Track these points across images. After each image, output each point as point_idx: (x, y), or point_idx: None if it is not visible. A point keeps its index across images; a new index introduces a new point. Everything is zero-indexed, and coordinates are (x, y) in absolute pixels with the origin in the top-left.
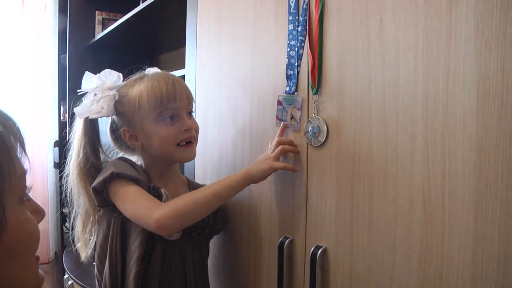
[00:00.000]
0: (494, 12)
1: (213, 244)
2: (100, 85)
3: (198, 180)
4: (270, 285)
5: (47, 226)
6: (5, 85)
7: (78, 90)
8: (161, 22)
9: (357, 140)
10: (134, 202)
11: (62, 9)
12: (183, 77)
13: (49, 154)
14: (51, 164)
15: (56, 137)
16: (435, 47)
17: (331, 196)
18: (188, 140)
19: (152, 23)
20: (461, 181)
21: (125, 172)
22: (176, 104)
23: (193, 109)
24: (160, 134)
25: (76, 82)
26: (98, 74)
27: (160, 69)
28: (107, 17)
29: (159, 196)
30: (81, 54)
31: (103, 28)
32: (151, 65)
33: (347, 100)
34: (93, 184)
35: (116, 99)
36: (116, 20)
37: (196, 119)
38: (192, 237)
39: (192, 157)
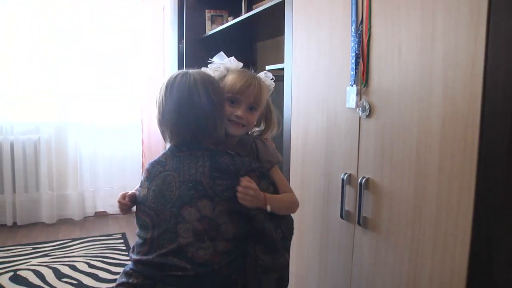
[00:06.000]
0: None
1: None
2: (224, 66)
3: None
4: (337, 202)
5: None
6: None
7: (209, 60)
8: (260, 22)
9: (387, 114)
10: None
11: (179, 8)
12: (282, 69)
13: None
14: None
15: None
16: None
17: (373, 144)
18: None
19: (253, 23)
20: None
21: None
22: (242, 97)
23: (257, 108)
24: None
25: (192, 65)
26: (228, 58)
27: (257, 56)
28: (214, 14)
29: None
30: (195, 44)
31: (212, 23)
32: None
33: (382, 91)
34: None
35: None
36: (222, 16)
37: (293, 103)
38: None
39: (233, 133)
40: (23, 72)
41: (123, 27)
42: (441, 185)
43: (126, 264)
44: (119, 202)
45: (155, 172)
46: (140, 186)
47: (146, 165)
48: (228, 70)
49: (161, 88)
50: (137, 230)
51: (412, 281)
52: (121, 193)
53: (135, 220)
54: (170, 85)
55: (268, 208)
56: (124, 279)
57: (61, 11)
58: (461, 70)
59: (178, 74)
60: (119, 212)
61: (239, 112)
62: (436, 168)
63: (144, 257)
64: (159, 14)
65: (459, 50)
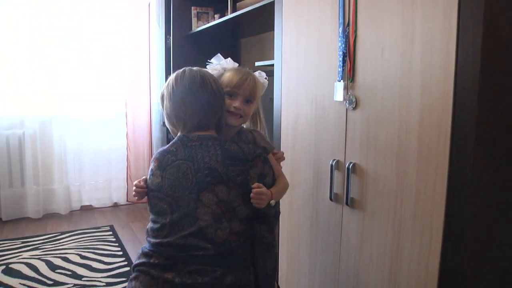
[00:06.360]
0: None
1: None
2: (221, 66)
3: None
4: (326, 186)
5: None
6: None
7: (208, 61)
8: (246, 20)
9: (372, 106)
10: None
11: (166, 5)
12: (270, 65)
13: (157, 116)
14: (159, 123)
15: None
16: None
17: (359, 132)
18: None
19: (239, 21)
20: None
21: None
22: (239, 90)
23: (253, 101)
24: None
25: (179, 60)
26: (225, 59)
27: (240, 52)
28: (200, 11)
29: None
30: (182, 40)
31: (198, 19)
32: (233, 48)
33: (367, 86)
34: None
35: None
36: (207, 13)
37: (283, 96)
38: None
39: (231, 123)
40: (16, 70)
41: (107, 21)
42: (419, 168)
43: (119, 255)
44: (136, 186)
45: (166, 161)
46: (152, 175)
47: (155, 154)
48: (225, 69)
49: (168, 83)
50: (151, 216)
51: (395, 253)
52: (135, 181)
53: (148, 207)
54: (180, 77)
55: (273, 202)
56: (144, 259)
57: (61, 11)
58: (436, 69)
59: (185, 69)
60: (105, 205)
61: (237, 104)
62: (415, 154)
63: (165, 240)
64: (144, 10)
65: (434, 52)
